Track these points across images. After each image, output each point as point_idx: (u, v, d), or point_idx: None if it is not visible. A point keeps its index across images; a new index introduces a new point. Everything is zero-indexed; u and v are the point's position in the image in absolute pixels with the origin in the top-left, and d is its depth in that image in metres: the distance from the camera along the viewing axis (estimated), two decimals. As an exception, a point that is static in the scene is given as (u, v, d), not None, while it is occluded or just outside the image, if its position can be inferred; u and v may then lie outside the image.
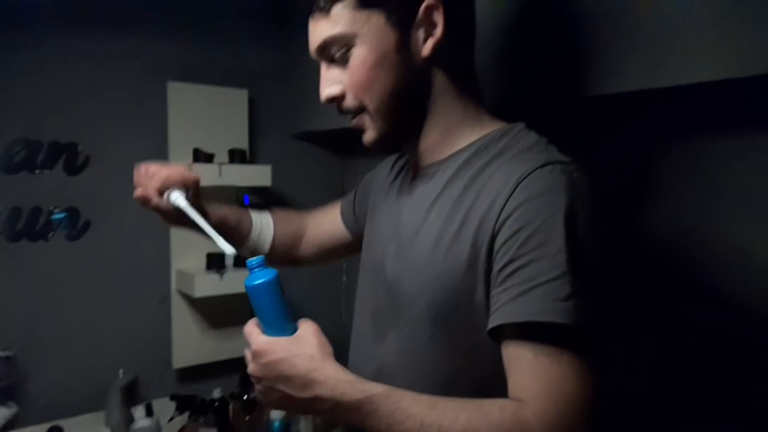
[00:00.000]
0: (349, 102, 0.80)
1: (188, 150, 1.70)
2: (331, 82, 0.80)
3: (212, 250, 1.73)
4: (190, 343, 1.78)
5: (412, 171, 0.89)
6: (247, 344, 0.77)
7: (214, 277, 1.63)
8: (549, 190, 0.67)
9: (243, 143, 1.81)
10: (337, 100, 0.80)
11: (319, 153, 2.06)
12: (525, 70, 1.10)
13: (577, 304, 0.63)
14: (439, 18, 0.76)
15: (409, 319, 0.79)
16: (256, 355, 0.74)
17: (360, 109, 0.80)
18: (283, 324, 0.76)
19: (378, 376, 0.79)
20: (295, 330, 0.77)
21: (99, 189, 1.66)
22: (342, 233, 1.13)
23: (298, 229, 1.16)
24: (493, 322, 0.68)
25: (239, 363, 1.89)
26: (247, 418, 1.69)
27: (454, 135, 0.81)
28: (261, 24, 1.89)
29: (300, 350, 0.72)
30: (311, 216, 1.19)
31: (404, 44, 0.76)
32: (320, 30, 0.78)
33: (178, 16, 1.74)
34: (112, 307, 1.70)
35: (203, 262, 1.72)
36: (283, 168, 1.85)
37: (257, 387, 0.77)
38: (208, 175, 1.61)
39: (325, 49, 0.79)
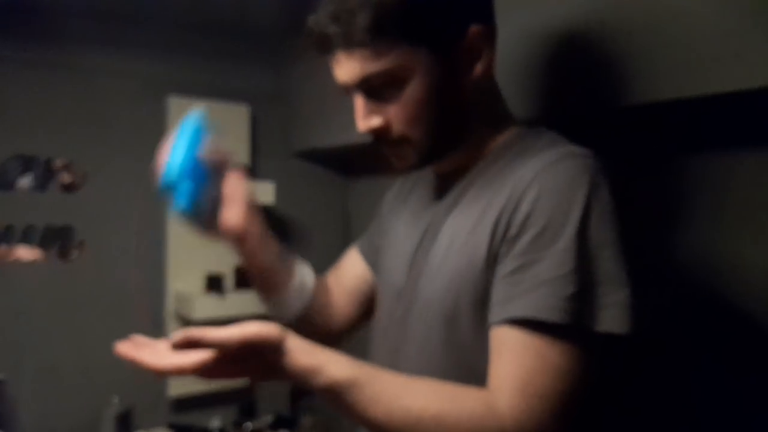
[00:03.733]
0: (394, 134, 0.77)
1: (188, 167, 1.65)
2: (372, 113, 0.77)
3: (211, 270, 1.67)
4: (187, 369, 1.69)
5: (434, 181, 0.88)
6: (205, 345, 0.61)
7: (214, 298, 1.57)
8: (565, 184, 0.67)
9: (243, 159, 1.77)
10: (378, 131, 0.77)
11: (321, 172, 2.02)
12: (550, 83, 1.07)
13: (579, 304, 0.63)
14: (485, 42, 0.75)
15: (424, 327, 0.77)
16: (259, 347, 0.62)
17: (402, 140, 0.77)
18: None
19: None
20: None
21: (95, 207, 1.60)
22: (368, 274, 1.01)
23: (327, 289, 1.01)
24: (497, 316, 0.67)
25: (238, 392, 1.82)
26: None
27: (479, 141, 0.81)
28: (263, 42, 1.86)
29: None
30: (329, 276, 1.04)
31: (452, 75, 0.75)
32: (361, 63, 0.73)
33: (179, 34, 1.71)
34: (105, 330, 1.61)
35: (201, 283, 1.66)
36: (285, 187, 1.80)
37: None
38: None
39: (366, 82, 0.74)
